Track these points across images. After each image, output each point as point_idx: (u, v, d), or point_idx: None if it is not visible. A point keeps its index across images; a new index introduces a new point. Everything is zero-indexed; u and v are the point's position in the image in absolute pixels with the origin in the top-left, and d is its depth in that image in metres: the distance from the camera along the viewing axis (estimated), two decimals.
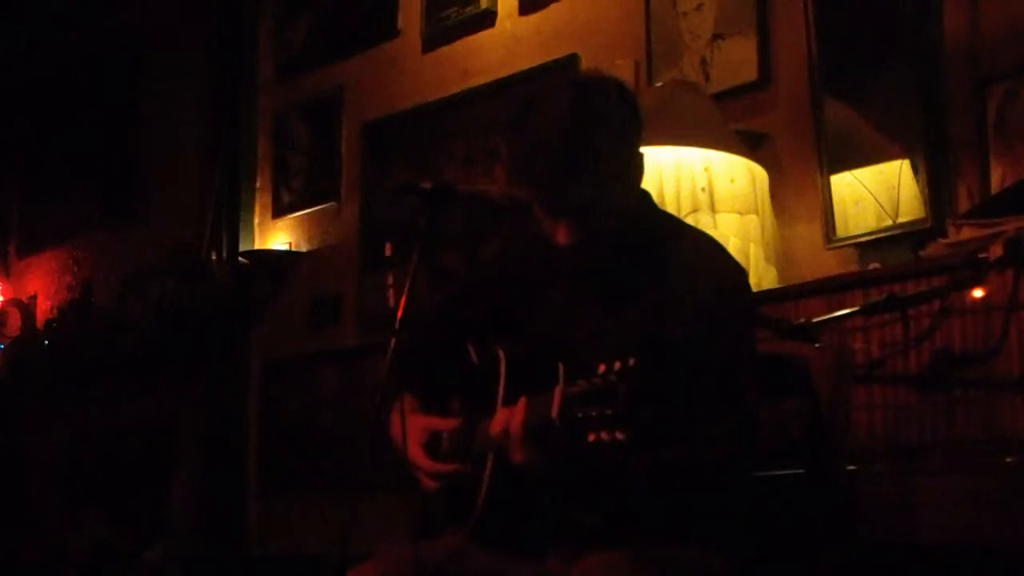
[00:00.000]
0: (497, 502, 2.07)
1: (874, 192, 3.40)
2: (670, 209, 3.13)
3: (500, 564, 2.11)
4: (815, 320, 2.62)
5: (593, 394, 1.78)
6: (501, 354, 2.14)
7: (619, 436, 1.75)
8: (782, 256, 3.41)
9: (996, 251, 2.57)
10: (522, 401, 1.93)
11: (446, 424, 2.22)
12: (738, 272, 2.18)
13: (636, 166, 2.14)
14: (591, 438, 1.78)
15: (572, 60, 4.18)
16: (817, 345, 2.59)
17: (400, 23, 4.86)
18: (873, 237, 3.38)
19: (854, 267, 3.35)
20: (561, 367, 2.00)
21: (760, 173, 3.38)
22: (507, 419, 1.95)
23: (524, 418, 1.91)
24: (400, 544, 2.13)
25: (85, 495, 5.71)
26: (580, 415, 1.79)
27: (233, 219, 5.32)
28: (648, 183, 2.27)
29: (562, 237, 2.07)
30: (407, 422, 2.23)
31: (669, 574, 1.99)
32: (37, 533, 5.90)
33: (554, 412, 1.84)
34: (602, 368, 1.79)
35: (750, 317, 2.20)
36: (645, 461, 1.92)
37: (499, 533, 2.11)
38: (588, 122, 2.03)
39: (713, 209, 3.29)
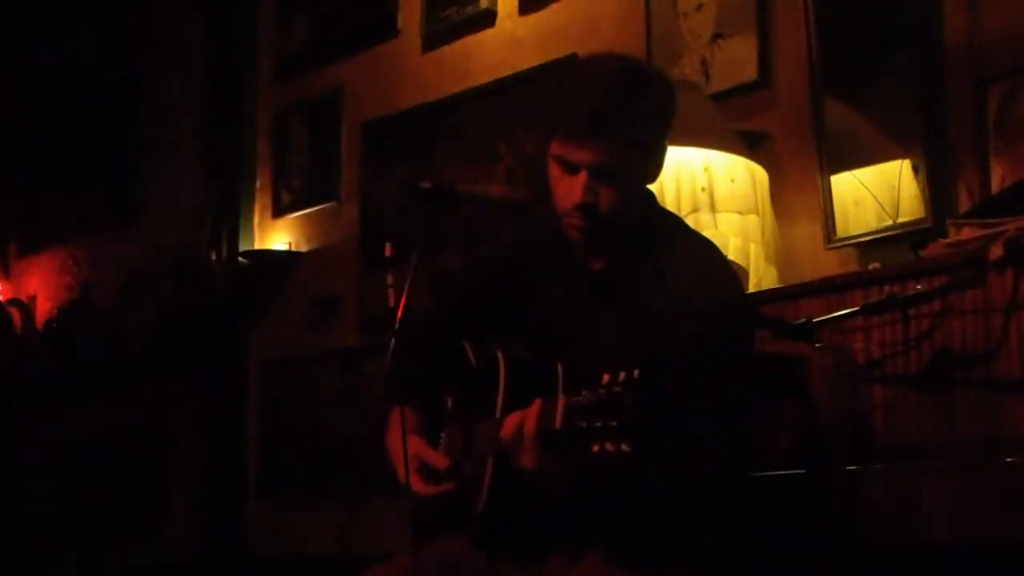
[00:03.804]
0: (498, 506, 2.07)
1: (874, 192, 3.41)
2: (670, 209, 3.13)
3: (500, 569, 2.11)
4: (815, 320, 2.62)
5: (597, 405, 1.77)
6: (500, 356, 2.14)
7: (624, 448, 1.74)
8: (782, 256, 3.41)
9: (996, 251, 2.57)
10: (536, 403, 1.92)
11: (439, 460, 2.20)
12: (736, 281, 2.19)
13: (658, 155, 2.15)
14: (595, 449, 1.77)
15: (572, 60, 4.18)
16: (817, 345, 2.59)
17: (400, 23, 4.86)
18: (873, 237, 3.38)
19: (854, 267, 3.35)
20: (560, 370, 1.99)
21: (760, 173, 3.38)
22: (519, 422, 1.94)
23: (537, 422, 1.90)
24: (399, 551, 2.13)
25: (84, 496, 5.71)
26: (584, 425, 1.79)
27: (233, 219, 5.32)
28: None
29: (576, 194, 2.06)
30: (401, 444, 2.22)
31: (668, 575, 1.99)
32: (34, 534, 5.90)
33: (557, 422, 1.84)
34: (606, 378, 1.78)
35: (748, 326, 2.20)
36: (647, 472, 1.92)
37: (499, 537, 2.11)
38: (633, 89, 2.05)
39: (713, 209, 3.29)
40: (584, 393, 1.80)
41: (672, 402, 1.86)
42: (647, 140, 2.09)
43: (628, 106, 2.03)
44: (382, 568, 2.15)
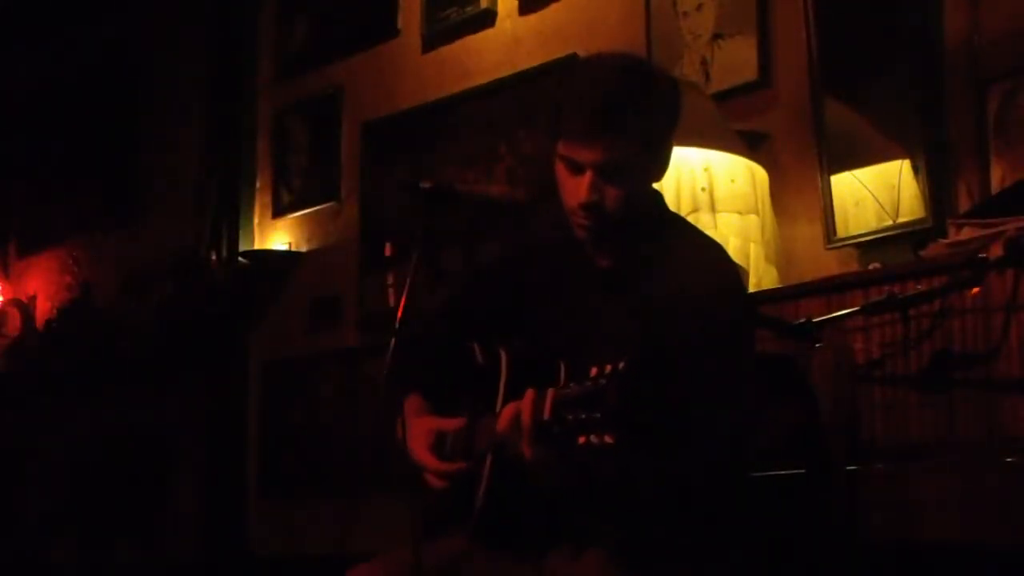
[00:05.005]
0: (496, 501, 2.07)
1: (874, 192, 3.41)
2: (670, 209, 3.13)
3: (500, 566, 2.11)
4: (815, 320, 2.62)
5: (582, 397, 1.79)
6: (503, 354, 2.14)
7: (607, 439, 1.75)
8: (782, 256, 3.41)
9: (996, 251, 2.57)
10: (529, 394, 1.93)
11: (451, 424, 2.21)
12: (739, 282, 2.20)
13: (664, 154, 2.15)
14: (581, 440, 1.78)
15: (572, 60, 4.18)
16: (817, 345, 2.59)
17: (400, 23, 4.86)
18: (873, 237, 3.38)
19: (854, 267, 3.36)
20: (562, 366, 2.00)
21: (760, 173, 3.38)
22: (515, 412, 1.94)
23: (532, 412, 1.91)
24: (400, 547, 2.12)
25: (83, 496, 5.71)
26: (570, 417, 1.80)
27: (233, 219, 5.32)
28: None
29: (581, 193, 2.06)
30: (414, 424, 2.22)
31: (667, 573, 1.99)
32: (33, 534, 5.90)
33: (545, 414, 1.85)
34: (594, 371, 1.79)
35: (748, 326, 2.20)
36: (639, 466, 1.92)
37: (499, 533, 2.11)
38: (637, 90, 2.05)
39: (713, 209, 3.29)
40: (572, 386, 1.81)
41: (661, 395, 1.87)
42: (652, 138, 2.09)
43: (632, 104, 2.03)
44: (368, 566, 2.15)
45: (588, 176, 2.06)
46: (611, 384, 1.76)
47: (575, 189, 2.08)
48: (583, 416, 1.78)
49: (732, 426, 2.01)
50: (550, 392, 1.86)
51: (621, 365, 1.76)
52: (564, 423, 1.82)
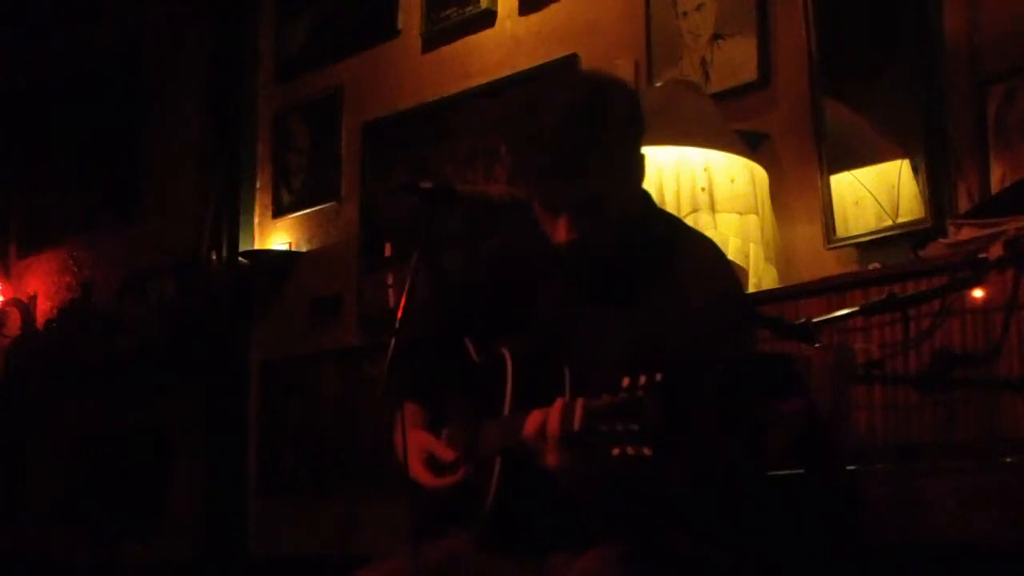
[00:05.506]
0: (502, 504, 2.06)
1: (874, 192, 3.41)
2: (670, 209, 3.13)
3: (501, 566, 2.11)
4: (815, 320, 2.62)
5: (617, 408, 1.77)
6: (506, 354, 2.14)
7: (645, 451, 1.74)
8: (782, 256, 3.41)
9: (996, 251, 2.57)
10: (558, 403, 1.92)
11: (445, 453, 2.21)
12: (734, 277, 2.20)
13: (637, 167, 2.14)
14: (615, 452, 1.76)
15: (572, 60, 4.19)
16: (817, 345, 2.59)
17: (400, 23, 4.87)
18: (873, 237, 3.38)
19: (854, 267, 3.35)
20: (567, 372, 1.99)
21: (760, 173, 3.38)
22: (542, 421, 1.93)
23: (561, 421, 1.90)
24: (399, 548, 2.12)
25: (84, 495, 5.71)
26: (604, 429, 1.78)
27: (233, 219, 5.32)
28: (648, 183, 2.26)
29: (561, 234, 2.07)
30: (411, 438, 2.22)
31: (668, 573, 1.99)
32: (34, 534, 5.90)
33: (576, 424, 1.84)
34: (626, 381, 1.77)
35: (749, 320, 2.20)
36: (668, 474, 1.91)
37: (503, 535, 2.10)
38: (592, 119, 2.02)
39: (713, 209, 3.29)
40: (604, 396, 1.80)
41: (694, 404, 1.86)
42: (618, 161, 2.07)
43: (590, 141, 2.00)
44: (374, 568, 2.15)
45: (564, 218, 2.05)
46: (649, 396, 1.74)
47: (553, 228, 2.07)
48: (618, 427, 1.76)
49: (749, 424, 2.01)
50: (579, 402, 1.84)
51: (659, 377, 1.75)
52: (595, 434, 1.80)
